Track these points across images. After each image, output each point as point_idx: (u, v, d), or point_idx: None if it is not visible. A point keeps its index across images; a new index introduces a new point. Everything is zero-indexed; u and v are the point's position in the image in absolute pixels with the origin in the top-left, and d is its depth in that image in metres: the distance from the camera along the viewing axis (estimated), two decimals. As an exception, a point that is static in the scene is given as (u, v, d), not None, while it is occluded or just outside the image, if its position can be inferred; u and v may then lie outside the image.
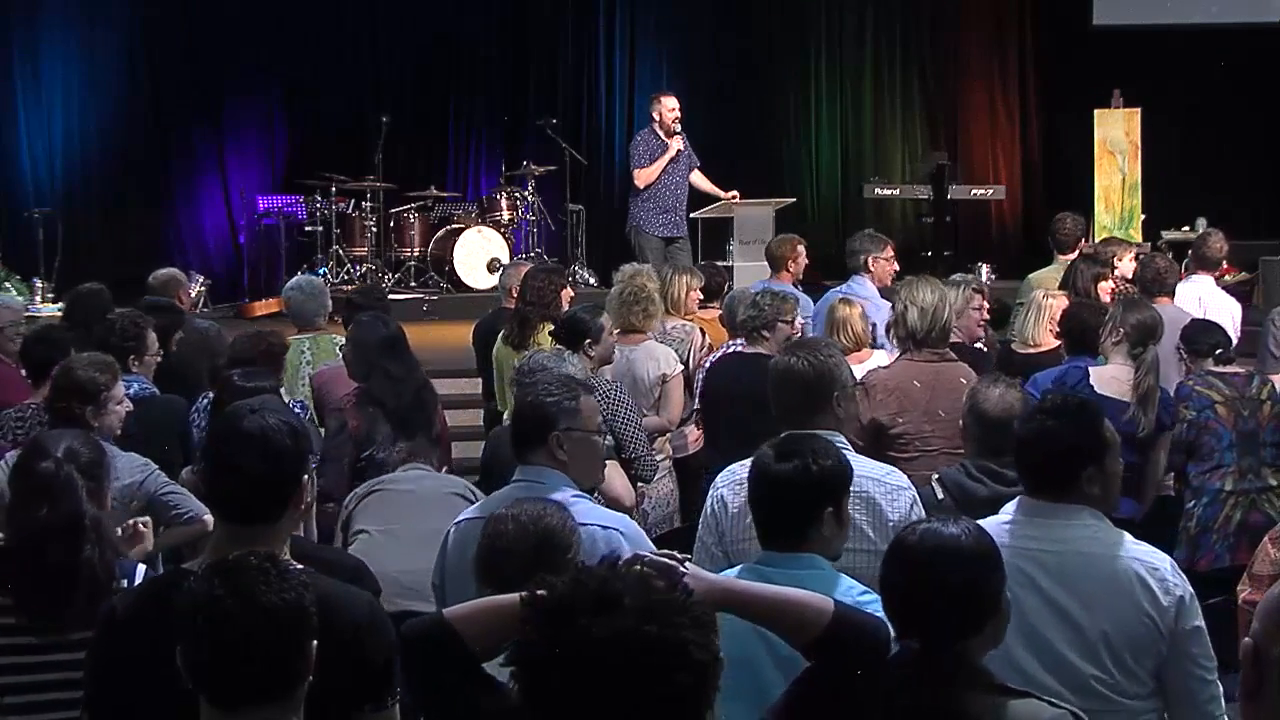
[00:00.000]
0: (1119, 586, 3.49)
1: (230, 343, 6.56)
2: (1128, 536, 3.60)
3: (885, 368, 5.73)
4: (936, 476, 4.64)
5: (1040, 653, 3.45)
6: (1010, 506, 3.65)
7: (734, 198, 11.38)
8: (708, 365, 6.68)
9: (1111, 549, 3.55)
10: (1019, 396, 4.53)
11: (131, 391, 5.64)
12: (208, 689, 2.44)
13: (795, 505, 3.38)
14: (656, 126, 10.94)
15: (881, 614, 3.28)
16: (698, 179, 11.22)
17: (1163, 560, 3.59)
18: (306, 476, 2.94)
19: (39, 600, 3.58)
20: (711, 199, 11.39)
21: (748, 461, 4.12)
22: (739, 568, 3.47)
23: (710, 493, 4.22)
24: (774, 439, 3.64)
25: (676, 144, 10.87)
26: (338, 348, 6.88)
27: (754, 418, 5.72)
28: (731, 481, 4.15)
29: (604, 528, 3.79)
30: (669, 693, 1.91)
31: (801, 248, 8.90)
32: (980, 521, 3.47)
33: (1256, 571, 4.14)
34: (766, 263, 8.99)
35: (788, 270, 8.74)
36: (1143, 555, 3.56)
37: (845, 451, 3.80)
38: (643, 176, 10.82)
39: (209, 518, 4.85)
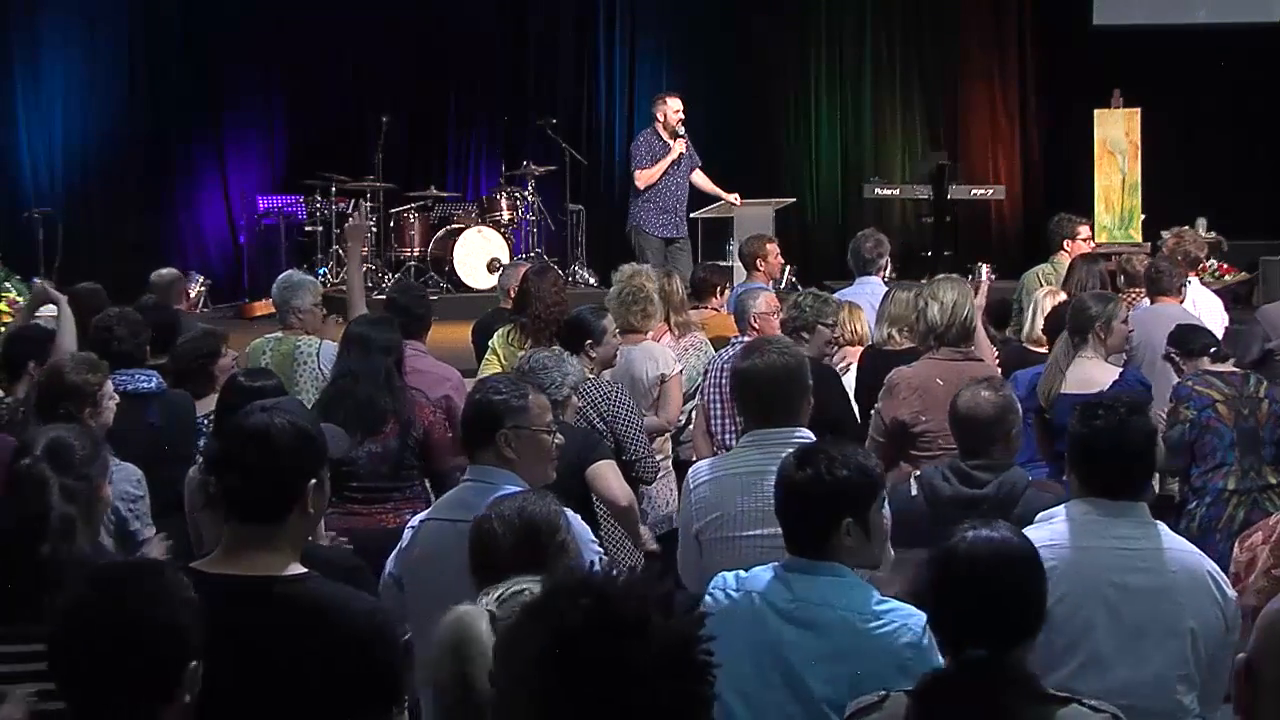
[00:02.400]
0: (1198, 581, 3.58)
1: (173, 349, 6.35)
2: (1166, 527, 3.70)
3: (909, 366, 5.75)
4: (917, 473, 4.70)
5: (1137, 659, 3.48)
6: (1071, 510, 3.67)
7: (735, 199, 11.39)
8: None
9: (1176, 543, 3.67)
10: (988, 397, 4.54)
11: (153, 385, 5.74)
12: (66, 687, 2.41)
13: (810, 514, 3.39)
14: (660, 127, 10.94)
15: (899, 621, 3.30)
16: (699, 179, 11.22)
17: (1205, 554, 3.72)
18: (314, 480, 2.90)
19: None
20: (712, 199, 11.40)
21: (718, 458, 4.20)
22: (761, 569, 3.48)
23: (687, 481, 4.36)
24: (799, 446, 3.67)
25: (680, 147, 10.87)
26: (297, 350, 6.74)
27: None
28: (700, 472, 4.32)
29: None
30: (690, 702, 1.91)
31: (772, 246, 8.90)
32: (1046, 526, 3.58)
33: (1232, 571, 4.20)
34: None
35: (758, 269, 8.74)
36: (1196, 549, 3.70)
37: None
38: (644, 177, 10.82)
39: None
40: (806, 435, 4.16)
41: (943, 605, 2.86)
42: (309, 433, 2.94)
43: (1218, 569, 3.66)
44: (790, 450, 3.90)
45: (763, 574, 3.42)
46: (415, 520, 4.22)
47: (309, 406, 5.72)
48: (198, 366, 6.00)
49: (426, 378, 6.29)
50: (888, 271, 8.28)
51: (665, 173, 10.82)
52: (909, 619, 3.30)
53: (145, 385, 5.68)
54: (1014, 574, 2.83)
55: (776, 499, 3.48)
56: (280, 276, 7.38)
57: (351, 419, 5.33)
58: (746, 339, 6.59)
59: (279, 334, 6.92)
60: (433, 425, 5.60)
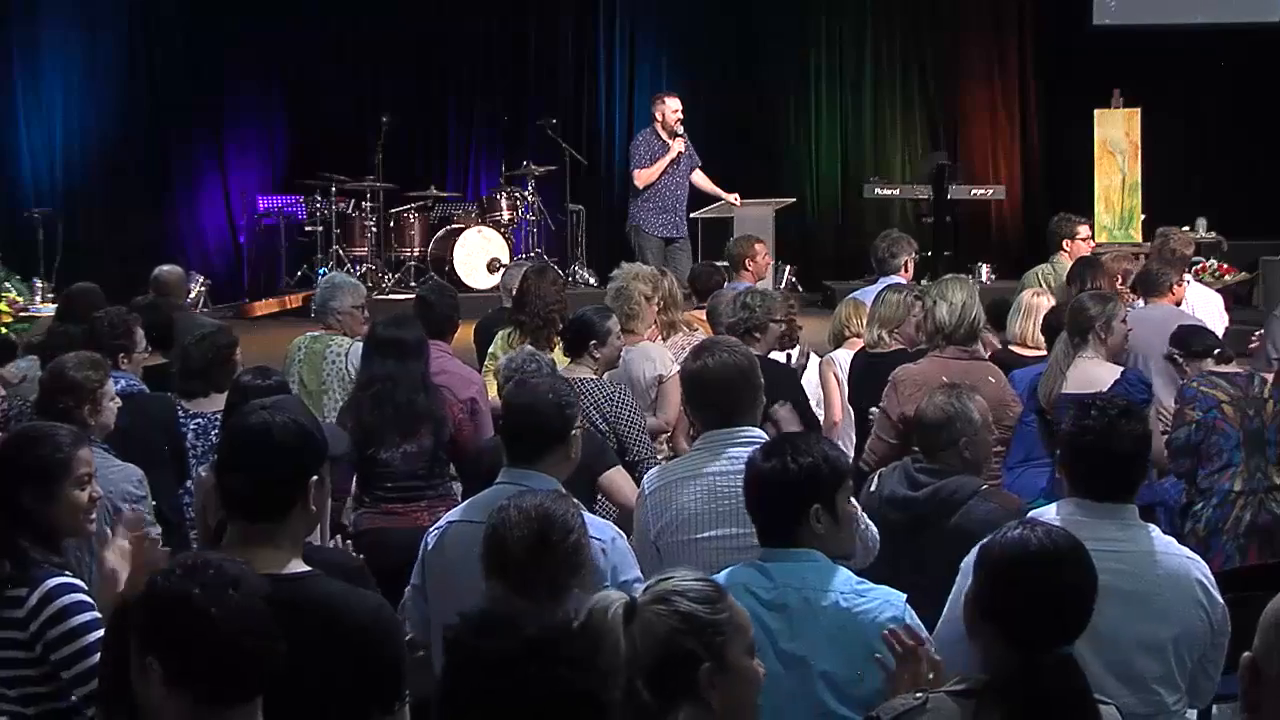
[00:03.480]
0: (1183, 586, 3.57)
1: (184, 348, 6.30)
2: (1159, 530, 3.70)
3: (915, 364, 5.77)
4: (883, 470, 4.80)
5: (1111, 660, 3.47)
6: (1060, 509, 3.67)
7: (735, 199, 11.39)
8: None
9: (1166, 546, 3.66)
10: (938, 403, 4.58)
11: (119, 388, 5.61)
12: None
13: (779, 503, 3.44)
14: (659, 127, 10.96)
15: (880, 599, 3.35)
16: (699, 179, 11.24)
17: (1199, 559, 3.70)
18: (314, 478, 2.91)
19: None
20: (712, 199, 11.41)
21: (669, 462, 4.20)
22: (736, 566, 3.51)
23: (641, 487, 4.40)
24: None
25: (678, 146, 10.88)
26: (329, 349, 6.79)
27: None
28: (653, 477, 4.35)
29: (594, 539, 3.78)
30: (564, 697, 2.04)
31: (760, 246, 8.91)
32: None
33: None
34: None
35: (746, 270, 8.75)
36: (1187, 554, 3.68)
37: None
38: (643, 177, 10.84)
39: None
40: (756, 434, 4.18)
41: (1012, 601, 2.83)
42: (309, 430, 2.95)
43: (1208, 574, 3.64)
44: (739, 448, 3.96)
45: (740, 569, 3.46)
46: (441, 521, 4.21)
47: (337, 405, 5.81)
48: (221, 358, 5.97)
49: (453, 379, 6.30)
50: (911, 270, 8.32)
51: (665, 172, 10.84)
52: (889, 596, 3.36)
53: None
54: (1085, 570, 2.87)
55: (746, 493, 3.53)
56: (324, 277, 7.57)
57: (390, 422, 5.42)
58: None
59: (317, 332, 7.03)
60: (461, 424, 5.65)
